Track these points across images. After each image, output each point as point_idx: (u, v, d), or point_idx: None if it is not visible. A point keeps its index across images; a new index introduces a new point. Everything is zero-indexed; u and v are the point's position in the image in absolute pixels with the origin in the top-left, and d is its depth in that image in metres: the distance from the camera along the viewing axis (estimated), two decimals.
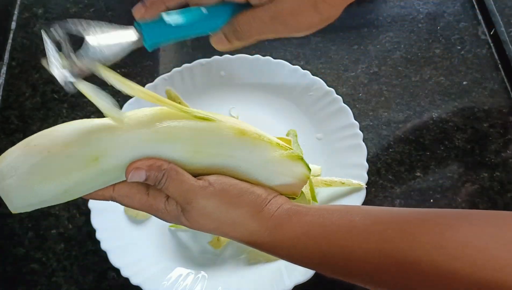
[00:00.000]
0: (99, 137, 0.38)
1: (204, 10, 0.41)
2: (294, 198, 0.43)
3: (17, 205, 0.37)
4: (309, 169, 0.44)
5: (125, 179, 0.39)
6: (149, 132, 0.39)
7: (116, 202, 0.41)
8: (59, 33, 0.37)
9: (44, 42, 0.38)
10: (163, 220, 0.42)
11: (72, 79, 0.38)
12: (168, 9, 0.39)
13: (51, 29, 0.37)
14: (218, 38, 0.43)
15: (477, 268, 0.30)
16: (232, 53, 0.69)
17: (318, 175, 0.60)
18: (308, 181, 0.47)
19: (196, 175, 0.40)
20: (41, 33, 0.78)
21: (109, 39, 0.38)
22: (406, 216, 0.36)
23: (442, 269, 0.31)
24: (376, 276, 0.36)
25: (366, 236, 0.36)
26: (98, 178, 0.38)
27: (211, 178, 0.39)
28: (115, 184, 0.40)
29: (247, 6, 0.40)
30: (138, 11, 0.39)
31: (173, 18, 0.40)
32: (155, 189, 0.40)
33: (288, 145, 0.43)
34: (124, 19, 0.81)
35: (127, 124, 0.39)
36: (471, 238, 0.32)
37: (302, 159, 0.43)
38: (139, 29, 0.39)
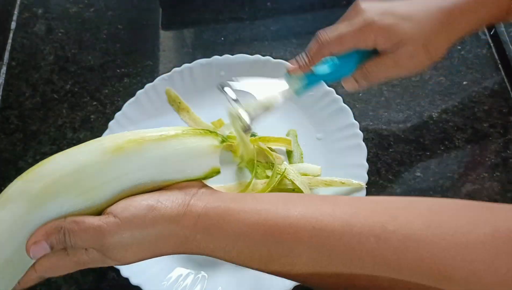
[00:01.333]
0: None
1: (336, 60, 0.52)
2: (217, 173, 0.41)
3: None
4: (217, 135, 0.41)
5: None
6: (20, 204, 0.36)
7: (47, 277, 0.39)
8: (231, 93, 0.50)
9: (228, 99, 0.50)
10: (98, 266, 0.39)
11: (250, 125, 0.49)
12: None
13: (225, 89, 0.51)
14: (350, 81, 0.54)
15: (420, 262, 0.32)
16: (232, 53, 0.69)
17: (318, 175, 0.60)
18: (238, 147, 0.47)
19: (102, 210, 0.38)
20: (41, 33, 0.79)
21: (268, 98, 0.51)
22: (348, 207, 0.36)
23: (385, 264, 0.32)
24: (320, 273, 0.35)
25: (307, 232, 0.35)
26: (6, 274, 0.37)
27: (113, 208, 0.37)
28: (33, 264, 0.38)
29: (374, 53, 0.51)
30: (292, 69, 0.52)
31: (319, 69, 0.52)
32: (71, 248, 0.37)
33: (181, 128, 0.41)
34: (124, 19, 0.81)
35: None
36: (412, 230, 0.33)
37: (200, 131, 0.40)
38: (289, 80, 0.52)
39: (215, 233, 0.37)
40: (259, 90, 0.49)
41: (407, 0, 0.51)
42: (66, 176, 0.36)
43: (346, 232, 0.34)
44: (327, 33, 0.50)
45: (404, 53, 0.49)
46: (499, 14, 0.52)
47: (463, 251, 0.31)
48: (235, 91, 0.50)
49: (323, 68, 0.52)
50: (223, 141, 0.42)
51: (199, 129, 0.41)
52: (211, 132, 0.41)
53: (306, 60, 0.51)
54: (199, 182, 0.41)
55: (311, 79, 0.53)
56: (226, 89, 0.50)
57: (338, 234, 0.34)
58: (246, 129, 0.48)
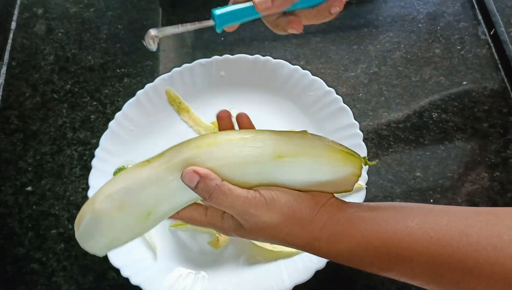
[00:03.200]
0: (148, 194, 0.40)
1: None
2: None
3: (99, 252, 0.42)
4: (360, 165, 0.44)
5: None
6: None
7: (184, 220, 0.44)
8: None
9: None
10: (224, 234, 0.45)
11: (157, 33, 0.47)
12: None
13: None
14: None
15: None
16: (232, 53, 0.69)
17: None
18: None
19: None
20: (41, 33, 0.79)
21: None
22: (463, 218, 0.38)
23: (502, 270, 0.34)
24: (438, 280, 0.37)
25: (425, 242, 0.37)
26: (154, 224, 0.41)
27: (262, 190, 0.41)
28: (179, 210, 0.42)
29: None
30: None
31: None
32: (212, 210, 0.43)
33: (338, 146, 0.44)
34: (125, 19, 0.81)
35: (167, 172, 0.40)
36: None
37: (350, 154, 0.44)
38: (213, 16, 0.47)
39: (337, 241, 0.40)
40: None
41: None
42: (234, 163, 0.40)
43: (462, 242, 0.36)
44: None
45: None
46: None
47: None
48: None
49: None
50: (363, 165, 0.44)
51: (346, 151, 0.44)
52: (355, 156, 0.44)
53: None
54: (328, 194, 0.43)
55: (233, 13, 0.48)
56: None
57: (455, 244, 0.36)
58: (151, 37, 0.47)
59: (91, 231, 0.40)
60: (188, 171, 0.39)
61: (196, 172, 0.39)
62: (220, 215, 0.43)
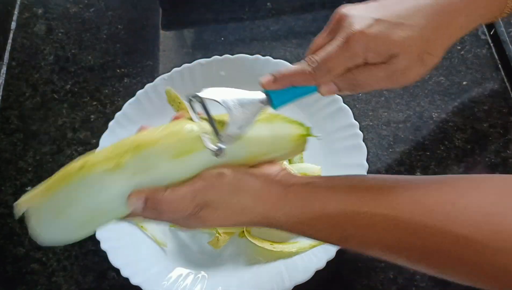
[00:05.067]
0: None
1: None
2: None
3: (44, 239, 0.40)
4: (305, 128, 0.45)
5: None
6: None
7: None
8: (198, 106, 0.43)
9: (190, 111, 0.44)
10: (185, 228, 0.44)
11: (222, 146, 0.40)
12: (292, 85, 0.43)
13: (191, 99, 0.44)
14: (329, 87, 0.44)
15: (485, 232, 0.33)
16: (232, 53, 0.69)
17: (318, 175, 0.60)
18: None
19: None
20: (41, 33, 0.79)
21: (244, 112, 0.42)
22: (417, 187, 0.38)
23: (455, 237, 0.34)
24: (394, 247, 0.38)
25: (380, 210, 0.37)
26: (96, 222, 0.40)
27: (206, 172, 0.40)
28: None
29: None
30: (264, 81, 0.43)
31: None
32: None
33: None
34: (124, 19, 0.81)
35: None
36: (482, 206, 0.35)
37: (284, 119, 0.44)
38: (266, 93, 0.43)
39: (294, 212, 0.40)
40: (231, 101, 0.42)
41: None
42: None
43: (417, 210, 0.36)
44: (316, 62, 0.42)
45: (397, 65, 0.42)
46: (498, 9, 0.46)
47: None
48: (205, 100, 0.43)
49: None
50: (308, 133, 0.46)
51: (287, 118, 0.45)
52: (300, 123, 0.46)
53: (286, 80, 0.43)
54: (280, 166, 0.43)
55: (288, 93, 0.44)
56: (197, 99, 0.44)
57: (409, 211, 0.36)
58: (217, 153, 0.40)
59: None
60: (130, 197, 0.38)
61: (137, 196, 0.38)
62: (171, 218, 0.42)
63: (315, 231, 0.40)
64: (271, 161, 0.43)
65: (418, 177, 0.40)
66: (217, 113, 0.43)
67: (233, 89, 0.43)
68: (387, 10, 0.42)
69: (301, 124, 0.46)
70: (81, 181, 0.37)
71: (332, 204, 0.39)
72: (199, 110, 0.43)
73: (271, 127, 0.44)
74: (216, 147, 0.39)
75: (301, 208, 0.40)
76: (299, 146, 0.46)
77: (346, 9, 0.43)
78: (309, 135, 0.46)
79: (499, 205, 0.34)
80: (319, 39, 0.44)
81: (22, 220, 0.62)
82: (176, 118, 0.45)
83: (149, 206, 0.38)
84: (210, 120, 0.42)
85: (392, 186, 0.39)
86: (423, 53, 0.42)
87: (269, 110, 0.44)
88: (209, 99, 0.43)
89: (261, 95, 0.43)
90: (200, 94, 0.43)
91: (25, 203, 0.39)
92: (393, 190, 0.38)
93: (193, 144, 0.39)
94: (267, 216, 0.40)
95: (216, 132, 0.41)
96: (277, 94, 0.43)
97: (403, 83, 0.44)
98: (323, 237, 0.41)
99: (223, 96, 0.42)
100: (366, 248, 0.40)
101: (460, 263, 0.35)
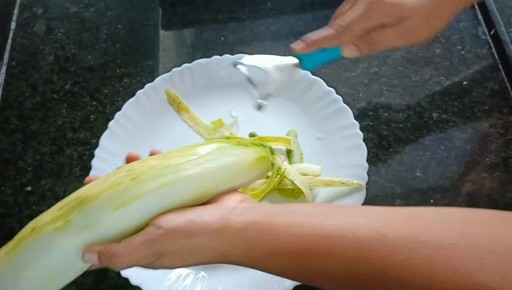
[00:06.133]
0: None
1: None
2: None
3: None
4: (266, 150, 0.45)
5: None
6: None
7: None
8: (244, 69, 0.53)
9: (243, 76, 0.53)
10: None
11: (263, 102, 0.52)
12: (320, 47, 0.53)
13: (238, 66, 0.53)
14: (351, 48, 0.54)
15: (453, 270, 0.31)
16: (232, 53, 0.69)
17: (318, 175, 0.60)
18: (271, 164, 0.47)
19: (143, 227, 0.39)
20: (41, 33, 0.79)
21: (281, 74, 0.53)
22: (382, 218, 0.37)
23: (417, 273, 0.32)
24: (353, 283, 0.36)
25: (341, 243, 0.36)
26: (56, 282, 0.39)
27: (158, 220, 0.39)
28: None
29: None
30: (297, 47, 0.54)
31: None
32: None
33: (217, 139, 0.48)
34: (124, 19, 0.81)
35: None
36: (445, 240, 0.33)
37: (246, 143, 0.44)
38: (298, 57, 0.54)
39: (252, 248, 0.38)
40: (270, 66, 0.52)
41: None
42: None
43: (380, 243, 0.35)
44: (341, 25, 0.52)
45: (407, 26, 0.51)
46: None
47: (496, 259, 0.31)
48: (247, 66, 0.53)
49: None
50: (271, 152, 0.46)
51: (243, 142, 0.44)
52: (257, 145, 0.44)
53: (315, 44, 0.53)
54: (240, 195, 0.42)
55: (318, 56, 0.54)
56: (240, 66, 0.53)
57: (370, 245, 0.35)
58: (260, 106, 0.52)
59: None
60: (85, 253, 0.38)
61: (91, 251, 0.38)
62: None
63: (272, 265, 0.39)
64: (231, 191, 0.42)
65: (385, 209, 0.39)
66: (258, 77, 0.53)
67: (268, 56, 0.53)
68: None
69: (260, 146, 0.45)
70: (34, 243, 0.37)
71: (291, 239, 0.38)
72: (244, 72, 0.53)
73: (224, 157, 0.41)
74: (259, 103, 0.51)
75: (260, 244, 0.38)
76: (260, 170, 0.44)
77: None
78: (268, 157, 0.44)
79: (458, 241, 0.33)
80: (342, 7, 0.54)
81: (22, 220, 0.62)
82: (129, 158, 0.45)
83: (103, 261, 0.38)
84: (252, 82, 0.53)
85: (356, 220, 0.37)
86: (430, 17, 0.51)
87: (300, 71, 0.54)
88: (251, 65, 0.52)
89: (294, 60, 0.53)
90: (243, 61, 0.53)
91: None
92: (356, 224, 0.37)
93: (132, 193, 0.38)
94: (225, 254, 0.39)
95: (258, 92, 0.51)
96: (308, 58, 0.53)
97: (412, 41, 0.53)
98: (279, 271, 0.40)
99: (262, 62, 0.52)
100: (323, 280, 0.38)
101: None
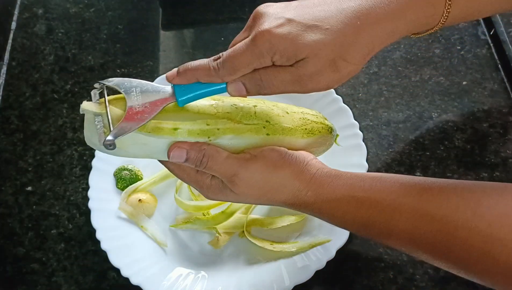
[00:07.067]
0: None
1: None
2: None
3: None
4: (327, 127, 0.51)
5: None
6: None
7: (171, 170, 0.46)
8: (100, 93, 0.44)
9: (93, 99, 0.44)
10: (209, 197, 0.46)
11: (111, 138, 0.40)
12: (197, 80, 0.42)
13: (95, 86, 0.44)
14: (237, 86, 0.42)
15: None
16: None
17: None
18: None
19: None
20: (41, 33, 0.79)
21: (143, 101, 0.41)
22: (440, 185, 0.39)
23: (481, 235, 0.35)
24: (416, 240, 0.38)
25: (406, 201, 0.39)
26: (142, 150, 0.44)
27: (252, 150, 0.43)
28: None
29: None
30: (171, 76, 0.42)
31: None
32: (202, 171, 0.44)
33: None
34: (124, 19, 0.81)
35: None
36: (506, 208, 0.35)
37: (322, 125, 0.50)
38: (173, 88, 0.42)
39: (324, 191, 0.42)
40: (135, 92, 0.41)
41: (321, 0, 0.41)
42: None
43: (443, 202, 0.37)
44: (221, 58, 0.41)
45: (306, 73, 0.40)
46: (427, 19, 0.42)
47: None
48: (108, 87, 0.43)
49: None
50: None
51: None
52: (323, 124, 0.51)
53: (190, 75, 0.42)
54: (312, 155, 0.47)
55: (193, 89, 0.42)
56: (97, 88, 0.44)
57: (438, 200, 0.38)
58: (106, 144, 0.40)
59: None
60: (172, 149, 0.42)
61: (179, 147, 0.42)
62: (210, 175, 0.44)
63: (341, 212, 0.42)
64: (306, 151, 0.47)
65: (444, 179, 0.41)
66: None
67: (144, 81, 0.42)
68: (305, 10, 0.40)
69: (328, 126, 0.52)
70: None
71: (360, 189, 0.41)
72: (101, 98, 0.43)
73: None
74: (105, 138, 0.39)
75: (330, 189, 0.42)
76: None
77: (263, 7, 0.41)
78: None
79: None
80: (237, 36, 0.43)
81: (22, 220, 0.62)
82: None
83: (192, 156, 0.42)
84: (106, 109, 0.41)
85: (422, 181, 0.40)
86: (337, 59, 0.39)
87: (173, 105, 0.42)
88: (111, 85, 0.42)
89: (167, 89, 0.42)
90: (104, 81, 0.43)
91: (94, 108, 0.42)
92: (423, 184, 0.40)
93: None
94: (298, 195, 0.43)
95: (109, 123, 0.40)
96: (182, 89, 0.42)
97: (312, 89, 0.41)
98: (347, 220, 0.43)
99: (127, 84, 0.41)
100: (387, 236, 0.41)
101: (482, 260, 0.35)
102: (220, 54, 0.41)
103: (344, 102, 0.63)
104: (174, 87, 0.42)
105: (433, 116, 0.66)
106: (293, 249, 0.54)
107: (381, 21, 0.39)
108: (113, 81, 0.42)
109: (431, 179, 0.41)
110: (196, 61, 0.41)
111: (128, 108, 0.40)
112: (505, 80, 0.67)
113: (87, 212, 0.58)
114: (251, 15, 0.42)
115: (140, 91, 0.41)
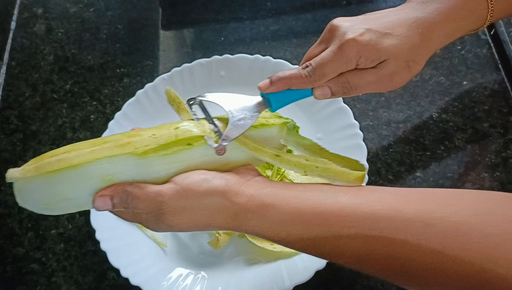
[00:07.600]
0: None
1: None
2: None
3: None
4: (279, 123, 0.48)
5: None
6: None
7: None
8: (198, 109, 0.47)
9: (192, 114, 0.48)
10: (154, 230, 0.43)
11: (224, 144, 0.43)
12: (289, 88, 0.46)
13: (191, 101, 0.48)
14: (323, 90, 0.47)
15: (466, 246, 0.33)
16: (232, 53, 0.69)
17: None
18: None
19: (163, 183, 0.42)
20: (41, 33, 0.79)
21: (242, 113, 0.45)
22: (394, 195, 0.38)
23: (432, 246, 0.34)
24: (367, 257, 0.37)
25: (356, 217, 0.37)
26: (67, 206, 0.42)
27: (175, 177, 0.41)
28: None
29: None
30: (263, 85, 0.46)
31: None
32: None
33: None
34: (124, 19, 0.81)
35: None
36: (459, 217, 0.34)
37: (264, 125, 0.47)
38: (265, 98, 0.46)
39: (267, 213, 0.39)
40: (234, 108, 0.45)
41: (379, 13, 0.48)
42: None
43: (395, 217, 0.36)
44: (311, 66, 0.46)
45: (386, 70, 0.46)
46: (477, 23, 0.50)
47: (510, 237, 0.32)
48: (205, 104, 0.47)
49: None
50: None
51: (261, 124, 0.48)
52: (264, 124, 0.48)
53: (283, 83, 0.46)
54: (256, 171, 0.44)
55: (285, 96, 0.47)
56: (197, 103, 0.48)
57: (386, 219, 0.36)
58: (219, 150, 0.43)
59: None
60: (95, 199, 0.40)
61: (102, 195, 0.40)
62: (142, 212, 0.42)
63: (285, 233, 0.39)
64: (249, 166, 0.44)
65: (396, 188, 0.40)
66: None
67: (231, 93, 0.47)
68: (375, 22, 0.47)
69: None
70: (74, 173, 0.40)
71: (305, 208, 0.39)
72: (198, 113, 0.46)
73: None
74: (216, 145, 0.42)
75: (272, 212, 0.39)
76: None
77: (338, 20, 0.47)
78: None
79: (472, 218, 0.34)
80: (312, 48, 0.48)
81: (22, 220, 0.62)
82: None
83: (116, 202, 0.40)
84: (211, 120, 0.45)
85: (368, 192, 0.39)
86: (409, 60, 0.47)
87: (267, 112, 0.47)
88: (209, 101, 0.46)
89: (259, 99, 0.46)
90: (200, 97, 0.47)
91: (16, 174, 0.42)
92: (371, 196, 0.38)
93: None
94: (237, 217, 0.40)
95: (219, 132, 0.44)
96: (275, 97, 0.46)
97: (389, 87, 0.48)
98: (293, 241, 0.40)
99: (223, 99, 0.46)
100: (336, 256, 0.39)
101: (433, 275, 0.34)
102: (307, 63, 0.46)
103: (344, 102, 0.63)
104: (267, 96, 0.46)
105: (433, 116, 0.65)
106: (293, 249, 0.54)
107: (436, 29, 0.47)
108: (206, 96, 0.47)
109: (381, 190, 0.39)
110: (286, 71, 0.46)
111: (230, 116, 0.44)
112: (506, 80, 0.67)
113: (87, 212, 0.58)
114: (326, 29, 0.48)
115: (237, 104, 0.45)
